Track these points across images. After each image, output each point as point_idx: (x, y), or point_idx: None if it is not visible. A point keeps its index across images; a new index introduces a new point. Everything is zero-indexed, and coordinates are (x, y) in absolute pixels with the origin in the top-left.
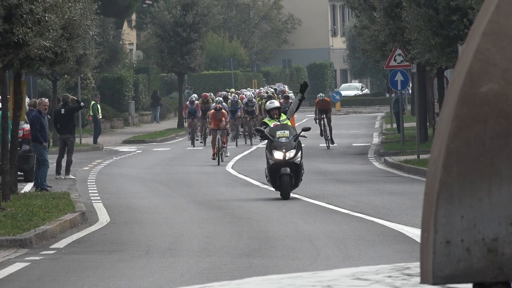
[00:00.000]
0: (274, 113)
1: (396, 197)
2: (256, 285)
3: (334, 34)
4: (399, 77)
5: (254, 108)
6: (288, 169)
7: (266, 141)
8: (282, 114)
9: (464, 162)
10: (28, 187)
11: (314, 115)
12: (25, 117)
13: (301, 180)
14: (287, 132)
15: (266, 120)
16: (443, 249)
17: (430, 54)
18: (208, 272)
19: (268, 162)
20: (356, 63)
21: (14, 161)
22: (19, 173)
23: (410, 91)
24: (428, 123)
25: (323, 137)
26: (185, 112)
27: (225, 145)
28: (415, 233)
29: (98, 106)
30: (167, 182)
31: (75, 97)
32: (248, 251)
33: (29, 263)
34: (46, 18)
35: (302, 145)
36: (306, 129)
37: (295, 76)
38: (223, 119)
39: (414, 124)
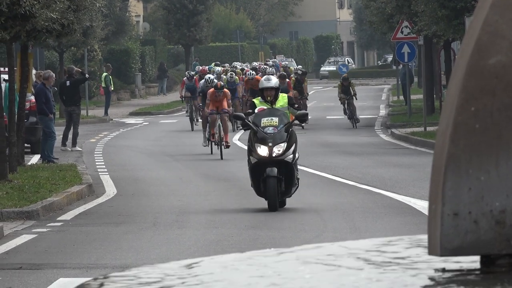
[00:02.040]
0: (268, 94)
1: (403, 169)
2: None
3: (341, 6)
4: (406, 49)
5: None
6: (275, 170)
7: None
8: (281, 96)
9: (472, 135)
10: (35, 159)
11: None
12: (32, 89)
13: (296, 185)
14: (275, 119)
15: (256, 100)
16: (451, 221)
17: (437, 26)
18: (215, 244)
19: (249, 160)
20: (362, 35)
21: (21, 133)
22: (26, 145)
23: (417, 63)
24: (435, 96)
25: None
26: (181, 90)
27: (227, 142)
28: (422, 205)
29: (110, 78)
30: (174, 154)
31: (79, 69)
32: (255, 223)
33: (36, 235)
34: None
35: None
36: (302, 118)
37: (302, 48)
38: (225, 100)
39: (421, 96)
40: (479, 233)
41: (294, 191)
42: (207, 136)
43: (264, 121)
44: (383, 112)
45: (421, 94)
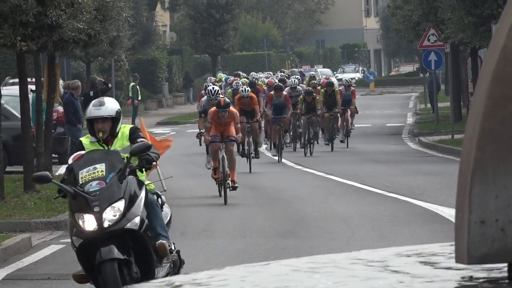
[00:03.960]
0: (99, 128)
1: (430, 177)
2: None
3: (368, 14)
4: (432, 57)
5: (299, 99)
6: (113, 250)
7: None
8: (122, 129)
9: (499, 141)
10: (62, 169)
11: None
12: (59, 99)
13: (175, 266)
14: (100, 167)
15: (84, 139)
16: (478, 229)
17: (464, 33)
18: (243, 254)
19: (72, 242)
20: (389, 43)
21: (49, 144)
22: (53, 155)
23: (443, 71)
24: (462, 103)
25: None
26: (199, 105)
27: (235, 181)
28: (449, 213)
29: (138, 88)
30: (201, 164)
31: (102, 79)
32: (282, 232)
33: (64, 245)
34: (80, 0)
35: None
36: (139, 153)
37: (328, 56)
38: (232, 123)
39: (448, 104)
40: (506, 240)
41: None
42: (209, 166)
43: (83, 174)
44: (410, 120)
45: (448, 101)
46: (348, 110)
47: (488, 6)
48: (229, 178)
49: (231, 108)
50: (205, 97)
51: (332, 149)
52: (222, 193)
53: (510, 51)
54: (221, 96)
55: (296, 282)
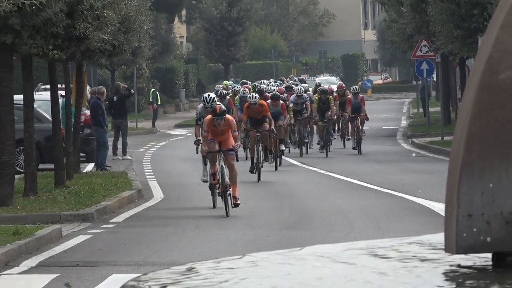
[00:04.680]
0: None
1: (422, 175)
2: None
3: (366, 27)
4: (424, 66)
5: (305, 106)
6: None
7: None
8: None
9: (484, 143)
10: (89, 167)
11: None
12: (87, 103)
13: None
14: None
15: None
16: (465, 222)
17: (453, 45)
18: (252, 243)
19: None
20: (385, 54)
21: (77, 144)
22: (81, 154)
23: (434, 79)
24: (451, 108)
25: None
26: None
27: (236, 198)
28: (440, 208)
29: (157, 93)
30: None
31: (125, 85)
32: (288, 225)
33: (91, 235)
34: (105, 14)
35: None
36: None
37: (330, 65)
38: (229, 131)
39: (438, 108)
40: (491, 232)
41: None
42: (207, 179)
43: None
44: (404, 123)
45: (439, 106)
46: (358, 117)
47: (475, 20)
48: (230, 191)
49: (228, 116)
50: (201, 104)
51: (326, 155)
52: (223, 204)
53: (495, 62)
54: (217, 103)
55: (299, 268)
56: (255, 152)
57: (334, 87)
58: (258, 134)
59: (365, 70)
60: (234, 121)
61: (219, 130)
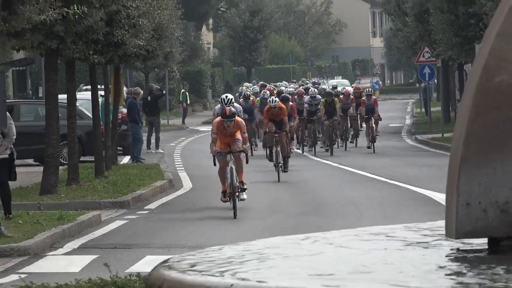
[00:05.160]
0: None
1: (425, 168)
2: (334, 235)
3: (374, 35)
4: (427, 70)
5: (319, 107)
6: None
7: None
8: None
9: (481, 141)
10: (126, 159)
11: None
12: (124, 102)
13: None
14: None
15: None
16: (464, 210)
17: (452, 51)
18: (271, 228)
19: None
20: (391, 59)
21: (115, 139)
22: (118, 148)
23: (435, 82)
24: (450, 108)
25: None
26: (213, 113)
27: (243, 182)
28: (441, 197)
29: (187, 94)
30: None
31: (158, 87)
32: (304, 212)
33: (127, 221)
34: (140, 22)
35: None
36: None
37: (342, 69)
38: (238, 133)
39: (439, 108)
40: (487, 220)
41: None
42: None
43: None
44: (408, 121)
45: (439, 106)
46: (372, 118)
47: (472, 29)
48: (238, 194)
49: (237, 117)
50: (219, 105)
51: (331, 154)
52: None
53: (491, 67)
54: (235, 105)
55: (311, 249)
56: (274, 154)
57: (350, 89)
58: (276, 135)
59: (357, 74)
60: (244, 122)
61: (228, 132)
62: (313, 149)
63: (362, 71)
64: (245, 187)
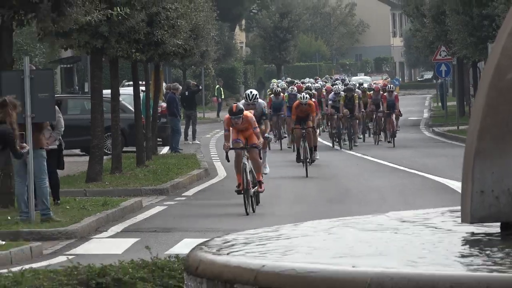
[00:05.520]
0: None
1: (442, 158)
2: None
3: (394, 35)
4: (443, 68)
5: (340, 102)
6: None
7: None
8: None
9: (494, 135)
10: (165, 150)
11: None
12: (163, 97)
13: None
14: None
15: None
16: (478, 197)
17: (467, 50)
18: (300, 214)
19: None
20: (410, 57)
21: (155, 131)
22: (158, 139)
23: (451, 78)
24: (465, 102)
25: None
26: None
27: (261, 183)
28: (456, 186)
29: (221, 89)
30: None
31: (195, 83)
32: (331, 199)
33: (167, 206)
34: (178, 23)
35: None
36: None
37: (364, 67)
38: (249, 128)
39: (454, 103)
40: (499, 206)
41: None
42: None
43: None
44: (426, 115)
45: (455, 101)
46: (393, 113)
47: (485, 29)
48: (255, 188)
49: (245, 113)
50: (243, 101)
51: (350, 148)
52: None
53: (502, 66)
54: (259, 99)
55: (339, 233)
56: (301, 149)
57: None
58: (304, 131)
59: (367, 72)
60: (254, 118)
61: (240, 127)
62: (339, 143)
63: (373, 69)
64: (262, 189)
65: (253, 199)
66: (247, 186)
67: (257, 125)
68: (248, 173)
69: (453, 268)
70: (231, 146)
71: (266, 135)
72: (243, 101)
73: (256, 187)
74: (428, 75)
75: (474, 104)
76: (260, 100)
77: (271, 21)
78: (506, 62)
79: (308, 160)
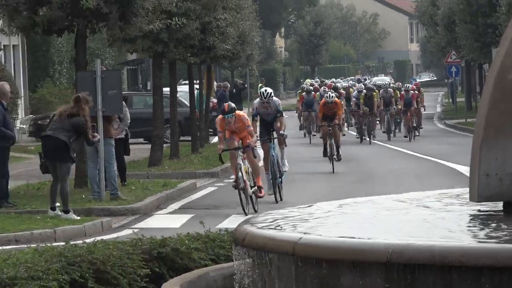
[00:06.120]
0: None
1: (452, 146)
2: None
3: (412, 41)
4: (453, 69)
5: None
6: None
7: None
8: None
9: (497, 126)
10: (215, 139)
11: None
12: (214, 94)
13: None
14: None
15: None
16: (484, 179)
17: (473, 54)
18: (330, 193)
19: None
20: (425, 60)
21: (207, 123)
22: (210, 130)
23: (460, 78)
24: (472, 98)
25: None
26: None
27: (261, 188)
28: (465, 169)
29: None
30: (304, 142)
31: (242, 81)
32: (356, 180)
33: (217, 187)
34: (227, 31)
35: None
36: None
37: (385, 68)
38: (243, 128)
39: (463, 99)
40: (502, 187)
41: None
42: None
43: None
44: (438, 109)
45: (463, 97)
46: (410, 110)
47: (489, 36)
48: (254, 188)
49: (238, 112)
50: (257, 99)
51: (370, 142)
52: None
53: (505, 67)
54: (273, 98)
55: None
56: (328, 146)
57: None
58: (330, 128)
59: (389, 72)
60: (246, 116)
61: (235, 128)
62: (360, 137)
63: (393, 70)
64: (262, 194)
65: (253, 199)
66: (244, 185)
67: (250, 124)
68: (244, 173)
69: (462, 240)
70: (223, 148)
71: (281, 132)
72: (257, 100)
73: (255, 189)
74: (427, 77)
75: (480, 100)
76: (274, 98)
77: (306, 29)
78: (508, 64)
79: (334, 156)
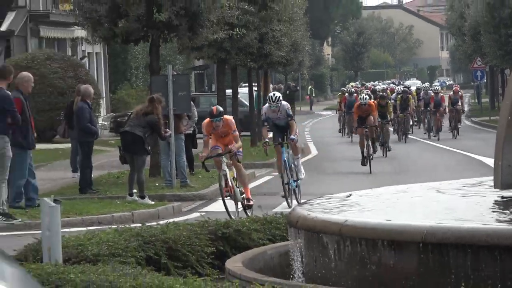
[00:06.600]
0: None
1: (478, 140)
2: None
3: (442, 49)
4: (479, 73)
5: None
6: None
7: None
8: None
9: None
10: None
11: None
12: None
13: None
14: None
15: None
16: (507, 169)
17: (496, 60)
18: (370, 183)
19: None
20: (454, 66)
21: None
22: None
23: (485, 81)
24: (495, 99)
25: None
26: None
27: (249, 199)
28: (490, 161)
29: (313, 89)
30: (339, 139)
31: (294, 84)
32: (394, 172)
33: (272, 176)
34: (282, 40)
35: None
36: None
37: (419, 72)
38: (229, 133)
39: (487, 99)
40: None
41: None
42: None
43: None
44: (466, 108)
45: (487, 98)
46: (438, 111)
47: (511, 44)
48: (244, 194)
49: (226, 116)
50: (267, 104)
51: (405, 142)
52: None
53: None
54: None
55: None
56: (365, 147)
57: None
58: (366, 129)
59: (407, 78)
60: (233, 120)
61: (220, 132)
62: (398, 137)
63: (426, 74)
64: (251, 203)
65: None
66: (230, 191)
67: (236, 129)
68: (229, 179)
69: (488, 222)
70: (206, 156)
71: (291, 136)
72: (267, 105)
73: (244, 196)
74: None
75: (503, 101)
76: (283, 102)
77: (350, 39)
78: None
79: (371, 157)
